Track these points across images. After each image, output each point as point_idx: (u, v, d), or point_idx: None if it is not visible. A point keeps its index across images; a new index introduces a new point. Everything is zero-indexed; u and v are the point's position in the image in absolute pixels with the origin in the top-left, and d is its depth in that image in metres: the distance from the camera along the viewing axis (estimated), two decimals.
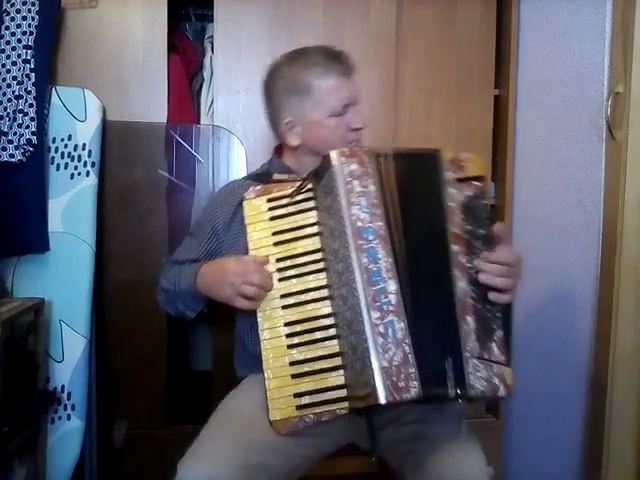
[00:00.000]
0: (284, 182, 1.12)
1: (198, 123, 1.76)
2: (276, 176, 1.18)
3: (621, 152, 1.57)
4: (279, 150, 1.28)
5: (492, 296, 0.98)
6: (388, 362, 0.90)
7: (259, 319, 1.05)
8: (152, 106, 1.62)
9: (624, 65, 1.55)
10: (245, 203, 1.10)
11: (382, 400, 0.89)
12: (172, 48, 1.68)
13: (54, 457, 1.50)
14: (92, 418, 1.57)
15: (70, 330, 1.51)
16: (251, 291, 1.03)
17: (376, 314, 0.93)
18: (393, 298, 0.94)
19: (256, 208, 1.10)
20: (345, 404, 0.99)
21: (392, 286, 0.94)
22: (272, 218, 1.08)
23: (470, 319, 0.96)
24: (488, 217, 1.03)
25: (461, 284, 0.97)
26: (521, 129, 1.76)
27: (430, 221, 1.01)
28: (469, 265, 0.99)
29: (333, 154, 1.01)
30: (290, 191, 1.09)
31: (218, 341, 1.69)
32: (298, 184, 1.08)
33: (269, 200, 1.09)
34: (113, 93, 1.60)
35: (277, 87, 1.20)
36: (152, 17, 1.61)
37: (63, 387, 1.51)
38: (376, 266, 0.95)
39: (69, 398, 1.51)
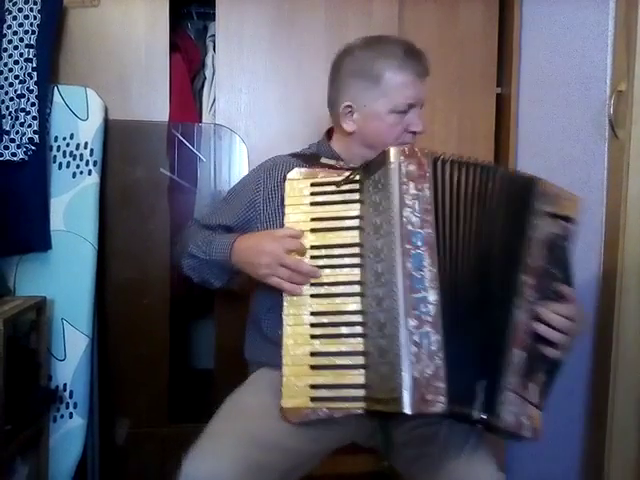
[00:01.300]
0: (331, 168, 1.09)
1: (200, 122, 1.76)
2: (324, 160, 1.15)
3: (624, 150, 1.56)
4: (329, 134, 1.25)
5: (547, 350, 0.96)
6: (419, 373, 0.88)
7: (285, 303, 1.02)
8: (154, 105, 1.62)
9: (627, 63, 1.54)
10: (287, 183, 1.06)
11: (408, 410, 0.87)
12: (174, 47, 1.69)
13: (56, 455, 1.50)
14: (94, 416, 1.57)
15: (72, 328, 1.51)
16: (286, 274, 1.01)
17: (413, 322, 0.90)
18: (433, 309, 0.91)
19: (298, 190, 1.06)
20: (361, 404, 0.96)
21: (434, 296, 0.92)
22: (313, 203, 1.05)
23: (518, 352, 0.94)
24: (568, 261, 0.99)
25: (522, 316, 0.95)
26: (523, 128, 1.76)
27: (508, 244, 0.98)
28: (534, 300, 0.96)
29: (393, 151, 0.98)
30: (337, 179, 1.04)
31: (221, 339, 1.69)
32: (347, 174, 1.04)
33: (313, 185, 1.05)
34: (115, 92, 1.60)
35: (346, 68, 1.16)
36: (154, 16, 1.61)
37: (65, 385, 1.51)
38: (420, 274, 0.92)
39: (71, 396, 1.51)
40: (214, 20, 1.67)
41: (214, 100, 1.73)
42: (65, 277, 1.51)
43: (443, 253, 0.95)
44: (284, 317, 1.02)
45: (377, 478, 1.36)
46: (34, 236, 1.48)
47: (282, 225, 1.06)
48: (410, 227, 0.94)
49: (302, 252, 1.02)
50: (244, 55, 1.66)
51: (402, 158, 0.97)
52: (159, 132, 1.65)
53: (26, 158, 1.45)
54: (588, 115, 1.66)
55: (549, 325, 0.96)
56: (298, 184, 1.06)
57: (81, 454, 1.52)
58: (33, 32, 1.46)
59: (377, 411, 0.95)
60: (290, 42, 1.65)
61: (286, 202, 1.06)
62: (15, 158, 1.44)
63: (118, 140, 1.60)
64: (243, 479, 0.93)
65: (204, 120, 1.77)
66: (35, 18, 1.46)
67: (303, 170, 1.07)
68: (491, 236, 0.99)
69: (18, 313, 1.36)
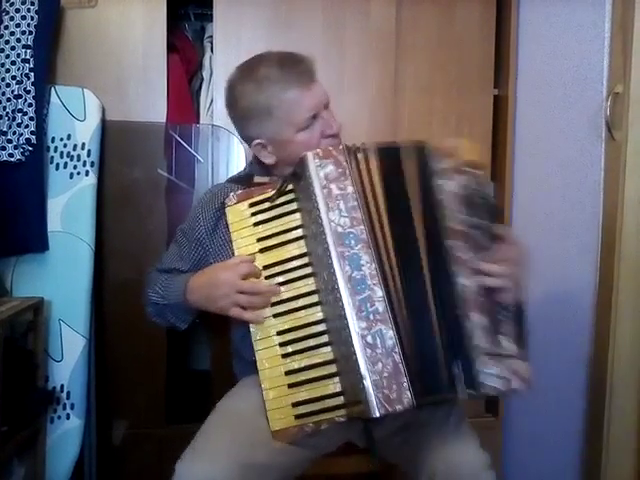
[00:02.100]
0: (265, 185, 1.09)
1: (197, 123, 1.76)
2: (257, 179, 1.15)
3: (620, 152, 1.57)
4: None
5: (498, 297, 0.95)
6: (378, 374, 0.89)
7: (252, 330, 1.03)
8: (151, 106, 1.62)
9: (623, 65, 1.55)
10: (227, 210, 1.07)
11: (375, 414, 0.88)
12: (171, 48, 1.68)
13: (53, 456, 1.50)
14: (91, 417, 1.57)
15: (69, 329, 1.51)
16: (245, 300, 1.01)
17: (363, 324, 0.90)
18: (380, 306, 0.91)
19: (239, 214, 1.06)
20: (343, 411, 0.97)
21: (378, 293, 0.91)
22: (256, 223, 1.05)
23: (476, 315, 0.92)
24: (489, 205, 0.98)
25: (462, 280, 0.93)
26: (520, 129, 1.76)
27: (419, 218, 0.96)
28: (470, 258, 0.94)
29: (308, 156, 0.97)
30: (271, 194, 1.05)
31: (217, 340, 1.69)
32: (278, 186, 1.04)
33: (251, 205, 1.06)
34: (112, 92, 1.60)
35: (236, 111, 1.13)
36: (151, 17, 1.61)
37: (62, 386, 1.51)
38: (360, 274, 0.92)
39: (68, 397, 1.51)
40: (211, 21, 1.67)
41: (212, 101, 1.73)
42: (62, 278, 1.51)
43: (380, 246, 0.94)
44: (254, 343, 1.02)
45: (371, 479, 1.37)
46: (31, 237, 1.48)
47: (233, 253, 1.06)
48: (340, 229, 0.94)
49: (257, 275, 1.03)
50: (242, 56, 1.62)
51: (317, 161, 0.97)
52: (157, 133, 1.64)
53: (23, 159, 1.45)
54: (585, 116, 1.66)
55: (492, 275, 0.94)
56: (237, 208, 1.07)
57: (78, 455, 1.52)
58: (30, 33, 1.46)
59: (355, 415, 0.96)
60: (287, 43, 1.64)
61: (231, 229, 1.06)
62: (12, 159, 1.44)
63: (115, 141, 1.60)
64: None
65: (201, 121, 1.76)
66: (32, 19, 1.46)
67: (238, 193, 1.07)
68: (413, 214, 0.96)
69: (15, 314, 1.36)
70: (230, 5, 1.64)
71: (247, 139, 1.16)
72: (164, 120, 1.63)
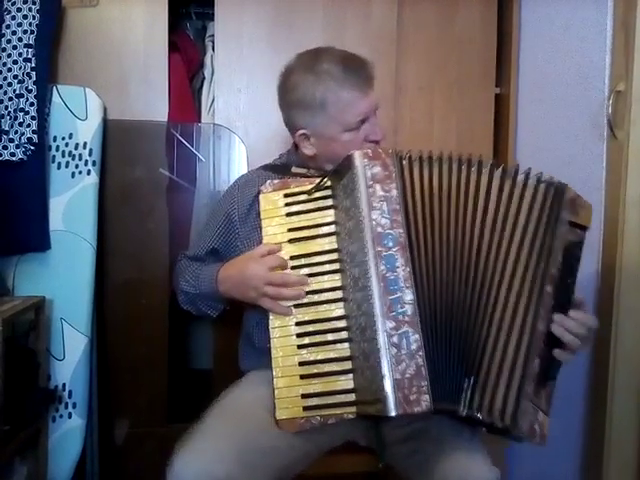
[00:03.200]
0: (302, 177, 1.11)
1: (199, 122, 1.76)
2: (294, 169, 1.16)
3: (622, 151, 1.56)
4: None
5: (557, 352, 0.97)
6: (400, 374, 0.89)
7: (270, 317, 1.04)
8: (153, 105, 1.62)
9: (625, 63, 1.54)
10: (262, 196, 1.08)
11: (392, 412, 0.88)
12: (173, 47, 1.68)
13: (55, 456, 1.50)
14: (93, 416, 1.57)
15: (71, 328, 1.51)
16: (274, 291, 1.03)
17: (391, 324, 0.91)
18: (409, 308, 0.92)
19: (272, 202, 1.08)
20: (353, 409, 0.98)
21: (409, 296, 0.92)
22: (288, 214, 1.06)
23: (537, 361, 0.95)
24: (577, 269, 1.01)
25: (541, 324, 0.95)
26: (522, 127, 1.76)
27: (540, 253, 0.98)
28: (550, 309, 0.97)
29: (356, 154, 0.99)
30: (308, 187, 1.06)
31: (219, 339, 1.69)
32: (317, 181, 1.06)
33: (286, 195, 1.08)
34: (114, 92, 1.60)
35: (289, 98, 1.15)
36: (153, 16, 1.61)
37: (64, 385, 1.51)
38: (394, 274, 0.93)
39: (70, 396, 1.51)
40: (213, 20, 1.67)
41: (213, 100, 1.73)
42: (64, 277, 1.51)
43: (417, 252, 0.96)
44: (270, 330, 1.03)
45: (373, 478, 1.36)
46: (33, 236, 1.48)
47: (261, 240, 1.07)
48: (380, 229, 0.95)
49: (284, 266, 1.04)
50: (243, 55, 1.66)
51: (366, 161, 0.98)
52: (158, 132, 1.65)
53: (25, 158, 1.45)
54: (587, 115, 1.66)
55: (569, 330, 0.97)
56: (272, 196, 1.08)
57: (80, 454, 1.52)
58: (32, 32, 1.46)
59: (368, 414, 0.96)
60: (288, 42, 1.65)
61: (262, 216, 1.08)
62: (14, 158, 1.44)
63: (117, 140, 1.60)
64: (235, 477, 0.93)
65: (203, 120, 1.77)
66: (34, 18, 1.46)
67: (275, 182, 1.09)
68: (481, 234, 0.98)
69: (17, 313, 1.35)
70: (231, 4, 1.64)
71: (292, 127, 1.18)
72: (165, 119, 1.63)
